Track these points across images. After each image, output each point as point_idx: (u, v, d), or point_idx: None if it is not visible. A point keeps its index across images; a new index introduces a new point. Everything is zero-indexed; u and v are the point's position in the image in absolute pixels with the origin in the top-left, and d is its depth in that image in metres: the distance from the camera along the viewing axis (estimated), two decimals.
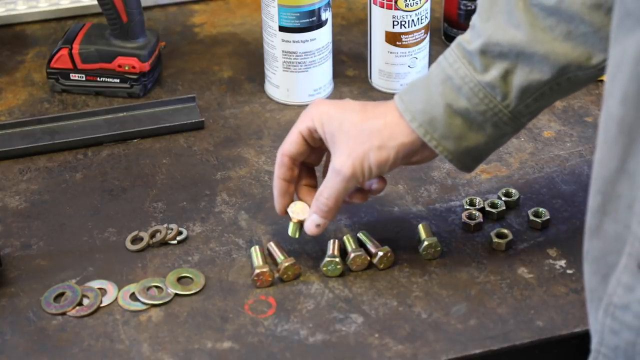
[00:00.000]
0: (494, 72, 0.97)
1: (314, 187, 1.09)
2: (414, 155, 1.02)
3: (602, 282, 0.79)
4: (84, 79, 1.33)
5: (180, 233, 1.12)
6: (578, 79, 0.98)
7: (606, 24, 0.93)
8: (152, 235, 1.11)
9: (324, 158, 1.09)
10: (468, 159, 1.01)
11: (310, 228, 1.05)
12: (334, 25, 1.36)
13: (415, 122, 0.99)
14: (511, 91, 0.97)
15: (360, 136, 1.00)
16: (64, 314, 1.03)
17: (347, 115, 1.02)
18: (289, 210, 1.07)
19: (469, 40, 0.99)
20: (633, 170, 0.75)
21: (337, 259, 1.06)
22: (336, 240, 1.08)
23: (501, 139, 1.01)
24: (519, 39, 0.96)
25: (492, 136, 1.00)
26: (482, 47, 0.97)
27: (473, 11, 1.38)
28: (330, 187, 1.03)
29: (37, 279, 1.07)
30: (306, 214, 1.06)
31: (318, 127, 1.03)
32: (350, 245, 1.08)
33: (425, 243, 1.08)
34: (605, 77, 0.78)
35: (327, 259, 1.06)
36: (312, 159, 1.08)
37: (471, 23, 1.00)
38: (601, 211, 0.78)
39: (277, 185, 1.07)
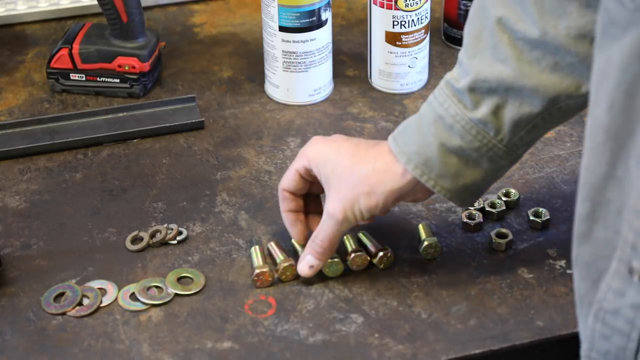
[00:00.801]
0: (485, 109, 0.97)
1: (321, 213, 1.09)
2: (406, 197, 1.03)
3: (592, 287, 0.79)
4: (84, 79, 1.33)
5: (180, 233, 1.12)
6: (569, 108, 0.97)
7: (592, 53, 0.93)
8: (152, 235, 1.11)
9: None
10: (466, 195, 1.01)
11: (304, 269, 1.05)
12: (334, 25, 1.36)
13: (411, 164, 0.99)
14: (503, 125, 0.97)
15: (350, 181, 1.01)
16: (64, 314, 1.03)
17: (340, 158, 1.03)
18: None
19: (457, 77, 0.98)
20: (622, 175, 0.75)
21: (337, 259, 1.06)
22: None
23: (498, 172, 1.01)
24: (507, 74, 0.95)
25: (488, 171, 1.00)
26: (471, 84, 0.97)
27: None
28: (324, 230, 1.03)
29: (37, 279, 1.07)
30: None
31: (314, 168, 1.04)
32: (350, 245, 1.09)
33: (425, 243, 1.08)
34: (590, 85, 0.78)
35: (327, 260, 1.06)
36: (315, 188, 1.08)
37: (458, 59, 1.00)
38: (590, 217, 0.78)
39: (286, 218, 1.08)
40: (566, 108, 0.97)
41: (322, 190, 1.08)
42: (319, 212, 1.08)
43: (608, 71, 0.74)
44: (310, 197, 1.10)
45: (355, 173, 1.01)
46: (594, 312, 0.79)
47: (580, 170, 0.79)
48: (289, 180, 1.07)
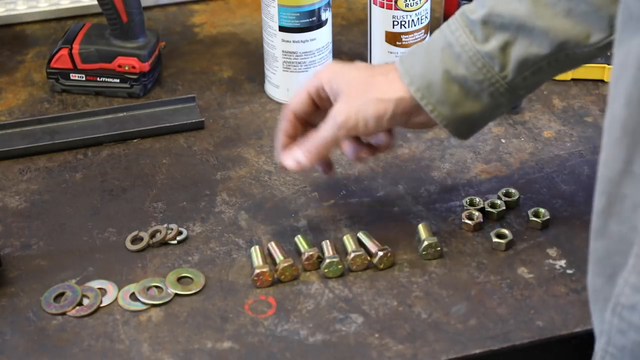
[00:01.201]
0: (494, 43, 0.99)
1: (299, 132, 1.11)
2: (412, 115, 1.03)
3: (608, 282, 0.79)
4: (84, 79, 1.33)
5: (180, 233, 1.12)
6: (576, 56, 0.99)
7: (606, 5, 0.95)
8: (152, 235, 1.11)
9: None
10: (462, 127, 1.03)
11: (288, 161, 1.06)
12: (334, 25, 1.36)
13: (413, 85, 1.01)
14: (509, 63, 0.99)
15: (361, 88, 1.03)
16: (64, 314, 1.03)
17: (354, 73, 1.05)
18: None
19: (472, 9, 1.01)
20: (638, 171, 0.75)
21: (337, 259, 1.06)
22: (330, 241, 1.09)
23: (497, 109, 1.03)
24: (521, 12, 0.98)
25: (488, 106, 1.01)
26: (484, 17, 0.99)
27: None
28: (321, 130, 1.05)
29: (37, 279, 1.07)
30: None
31: (325, 84, 1.05)
32: (350, 245, 1.08)
33: (425, 243, 1.08)
34: (609, 79, 0.78)
35: (327, 260, 1.06)
36: (318, 120, 1.09)
37: None
38: (606, 212, 0.78)
39: (280, 139, 1.09)
40: (573, 56, 0.99)
41: (322, 119, 1.08)
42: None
43: (626, 65, 0.74)
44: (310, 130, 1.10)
45: (369, 82, 1.03)
46: (611, 307, 0.79)
47: (598, 165, 0.79)
48: (297, 100, 1.08)
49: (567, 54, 0.99)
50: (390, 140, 1.08)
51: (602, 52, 0.98)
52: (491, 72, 1.00)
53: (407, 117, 1.04)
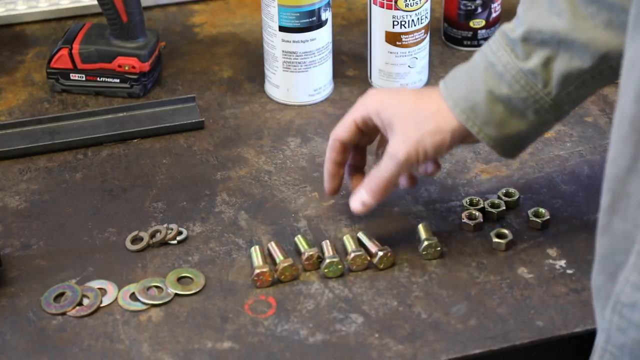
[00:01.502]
0: (536, 60, 0.99)
1: (362, 167, 1.12)
2: (467, 138, 1.04)
3: (609, 280, 0.79)
4: (84, 79, 1.33)
5: (180, 233, 1.12)
6: (619, 68, 0.98)
7: None
8: (152, 235, 1.11)
9: (378, 138, 1.12)
10: (509, 145, 1.03)
11: (355, 204, 1.07)
12: (334, 25, 1.36)
13: (458, 108, 1.01)
14: (552, 79, 0.99)
15: (415, 121, 1.03)
16: (64, 314, 1.03)
17: (402, 103, 1.05)
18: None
19: (512, 28, 1.01)
20: None
21: (337, 259, 1.06)
22: (330, 241, 1.09)
23: (543, 126, 1.03)
24: (561, 26, 0.97)
25: (533, 123, 1.01)
26: (524, 34, 0.99)
27: (473, 11, 1.38)
28: (383, 169, 1.05)
29: (37, 279, 1.07)
30: None
31: (373, 116, 1.05)
32: (350, 245, 1.08)
33: (425, 243, 1.08)
34: (620, 75, 0.78)
35: (327, 260, 1.06)
36: (364, 141, 1.10)
37: (517, 12, 1.02)
38: (611, 209, 0.78)
39: (328, 168, 1.10)
40: (616, 67, 0.98)
41: (370, 142, 1.10)
42: (361, 167, 1.12)
43: (636, 62, 0.74)
44: (354, 152, 1.11)
45: (421, 114, 1.03)
46: (611, 305, 0.79)
47: (606, 163, 0.79)
48: (344, 129, 1.08)
49: (610, 66, 0.98)
50: (438, 169, 1.10)
51: None
52: (535, 89, 0.99)
53: (463, 140, 1.04)
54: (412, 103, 1.04)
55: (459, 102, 1.01)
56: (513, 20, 1.02)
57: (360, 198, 1.06)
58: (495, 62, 1.01)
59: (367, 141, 1.11)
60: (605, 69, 0.98)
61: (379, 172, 1.05)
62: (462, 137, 1.04)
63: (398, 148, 1.03)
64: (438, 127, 1.02)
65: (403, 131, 1.03)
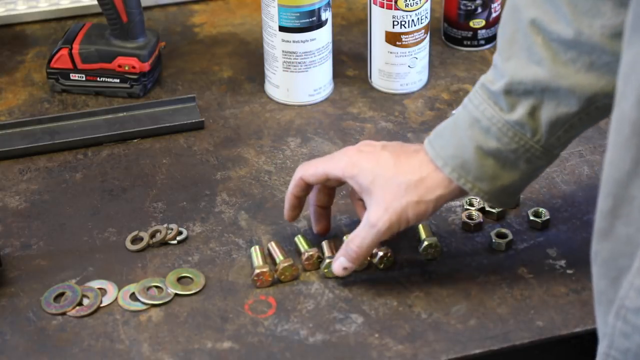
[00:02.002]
0: (521, 110, 0.97)
1: (329, 208, 1.10)
2: (460, 195, 1.02)
3: (612, 284, 0.79)
4: (84, 79, 1.33)
5: (180, 233, 1.12)
6: (606, 106, 0.96)
7: None
8: (152, 235, 1.11)
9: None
10: (504, 197, 1.01)
11: (337, 270, 1.05)
12: (334, 25, 1.36)
13: (448, 167, 0.99)
14: (540, 126, 0.97)
15: (396, 191, 1.00)
16: (64, 314, 1.03)
17: (380, 170, 1.02)
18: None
19: (492, 80, 0.98)
20: None
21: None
22: (330, 241, 1.09)
23: (535, 172, 1.01)
24: (542, 75, 0.95)
25: (526, 172, 0.99)
26: (506, 86, 0.97)
27: (473, 11, 1.38)
28: (362, 237, 1.02)
29: (37, 279, 1.07)
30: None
31: (349, 179, 1.03)
32: None
33: (425, 243, 1.08)
34: (617, 79, 0.78)
35: (327, 260, 1.06)
36: (332, 182, 1.08)
37: (493, 62, 1.00)
38: (612, 214, 0.77)
39: (289, 199, 1.09)
40: (603, 107, 0.96)
41: (339, 185, 1.08)
42: (326, 206, 1.10)
43: (637, 65, 0.74)
44: (322, 192, 1.10)
45: (402, 183, 1.00)
46: (615, 310, 0.78)
47: (604, 166, 0.78)
48: (313, 175, 1.06)
49: (597, 107, 0.96)
50: None
51: None
52: (524, 139, 0.97)
53: (452, 199, 1.03)
54: (392, 169, 1.01)
55: (449, 162, 0.99)
56: (490, 71, 0.99)
57: (342, 264, 1.04)
58: (479, 117, 0.98)
59: (335, 183, 1.08)
60: (592, 110, 0.96)
61: (359, 241, 1.03)
62: (451, 198, 1.02)
63: (379, 219, 1.01)
64: (421, 198, 1.00)
65: (384, 200, 1.01)
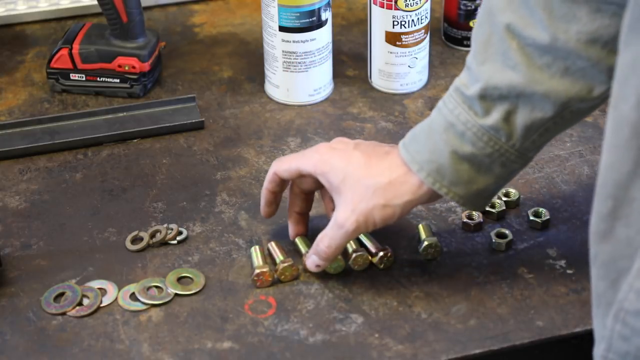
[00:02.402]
0: (496, 115, 0.96)
1: (306, 214, 1.10)
2: (426, 203, 1.03)
3: (612, 287, 0.79)
4: (84, 79, 1.33)
5: (180, 233, 1.12)
6: (581, 110, 0.97)
7: (603, 58, 0.92)
8: (152, 235, 1.11)
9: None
10: (479, 200, 1.01)
11: (310, 267, 1.06)
12: (334, 25, 1.36)
13: (423, 172, 0.99)
14: (515, 131, 0.97)
15: (364, 193, 1.00)
16: (64, 314, 1.03)
17: (351, 169, 1.02)
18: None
19: (466, 84, 0.98)
20: None
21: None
22: None
23: (510, 175, 1.00)
24: (517, 80, 0.95)
25: (501, 175, 0.99)
26: (481, 91, 0.96)
27: (473, 11, 1.38)
28: (331, 237, 1.03)
29: (37, 279, 1.07)
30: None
31: (320, 176, 1.03)
32: (351, 245, 1.08)
33: (425, 243, 1.08)
34: (614, 80, 0.78)
35: None
36: (307, 184, 1.08)
37: (467, 64, 0.99)
38: (612, 216, 0.77)
39: (265, 195, 1.09)
40: (577, 111, 0.96)
41: (314, 187, 1.08)
42: (304, 213, 1.10)
43: (636, 67, 0.73)
44: (298, 198, 1.10)
45: (371, 186, 1.00)
46: (613, 312, 0.78)
47: (600, 168, 0.78)
48: (286, 170, 1.06)
49: (571, 111, 0.96)
50: None
51: (606, 101, 0.95)
52: (499, 144, 0.97)
53: (422, 204, 1.03)
54: (362, 170, 1.01)
55: (424, 166, 0.99)
56: (464, 74, 0.99)
57: (314, 262, 1.05)
58: (454, 122, 0.98)
59: (309, 185, 1.08)
60: (567, 114, 0.96)
61: (327, 241, 1.03)
62: (420, 203, 1.01)
63: (347, 219, 1.01)
64: (387, 202, 1.00)
65: (352, 201, 1.01)
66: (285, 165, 1.06)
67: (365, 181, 1.01)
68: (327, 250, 1.03)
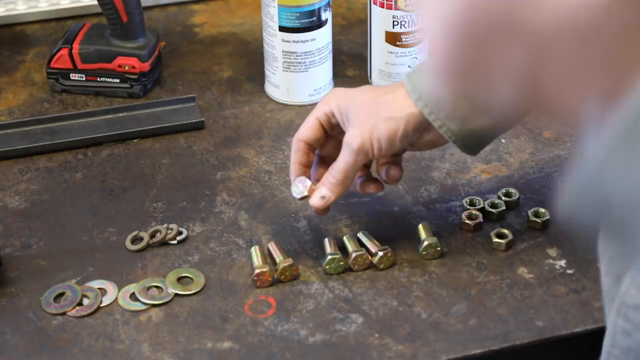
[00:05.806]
0: None
1: (308, 167, 1.10)
2: (423, 132, 1.03)
3: (615, 283, 0.78)
4: (84, 79, 1.33)
5: (180, 233, 1.12)
6: None
7: None
8: (152, 235, 1.11)
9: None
10: (471, 142, 1.02)
11: (315, 200, 1.05)
12: (334, 25, 1.36)
13: (422, 101, 1.00)
14: None
15: (370, 110, 1.02)
16: (64, 314, 1.03)
17: (361, 95, 1.05)
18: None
19: None
20: None
21: (339, 256, 1.06)
22: (332, 239, 1.09)
23: (506, 123, 1.01)
24: None
25: (497, 120, 1.00)
26: None
27: None
28: (340, 160, 1.04)
29: (37, 279, 1.07)
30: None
31: (335, 110, 1.05)
32: (351, 245, 1.08)
33: (425, 243, 1.08)
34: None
35: (328, 257, 1.06)
36: (329, 150, 1.08)
37: None
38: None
39: (294, 170, 1.08)
40: None
41: (336, 154, 1.07)
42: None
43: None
44: (322, 167, 1.10)
45: (377, 102, 1.03)
46: (616, 307, 0.78)
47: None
48: (307, 128, 1.07)
49: None
50: (399, 172, 1.08)
51: None
52: None
53: (419, 134, 1.03)
54: (370, 95, 1.04)
55: (423, 96, 1.00)
56: None
57: (320, 192, 1.05)
58: None
59: (331, 150, 1.08)
60: None
61: (336, 164, 1.04)
62: (417, 129, 1.02)
63: (353, 137, 1.02)
64: (391, 114, 1.01)
65: (359, 120, 1.03)
66: (303, 126, 1.07)
67: (373, 100, 1.03)
68: (336, 174, 1.04)
